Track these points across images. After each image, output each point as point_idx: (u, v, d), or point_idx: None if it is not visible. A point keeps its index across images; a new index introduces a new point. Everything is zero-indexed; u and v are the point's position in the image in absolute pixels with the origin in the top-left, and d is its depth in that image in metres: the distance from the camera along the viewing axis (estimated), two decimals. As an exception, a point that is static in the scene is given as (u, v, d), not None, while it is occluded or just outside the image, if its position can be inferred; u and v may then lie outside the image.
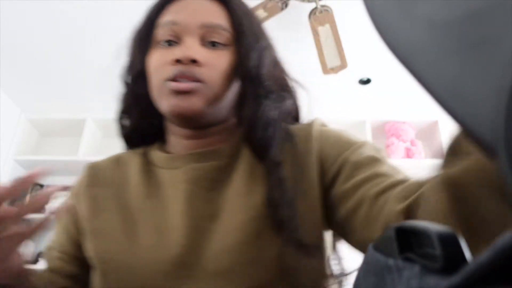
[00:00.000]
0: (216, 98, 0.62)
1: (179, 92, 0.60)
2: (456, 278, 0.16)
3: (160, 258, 0.56)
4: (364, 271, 0.25)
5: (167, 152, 0.69)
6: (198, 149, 0.66)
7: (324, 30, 1.97)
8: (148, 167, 0.67)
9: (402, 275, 0.21)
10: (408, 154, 2.81)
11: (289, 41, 2.33)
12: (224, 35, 0.64)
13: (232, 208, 0.58)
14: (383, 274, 0.23)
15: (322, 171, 0.60)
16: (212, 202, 0.60)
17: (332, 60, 2.11)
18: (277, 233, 0.54)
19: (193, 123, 0.64)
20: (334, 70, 2.17)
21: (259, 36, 0.67)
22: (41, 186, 2.80)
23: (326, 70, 2.16)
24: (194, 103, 0.60)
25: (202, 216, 0.58)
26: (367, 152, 0.58)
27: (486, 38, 0.15)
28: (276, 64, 0.70)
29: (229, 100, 0.65)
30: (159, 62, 0.63)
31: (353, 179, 0.55)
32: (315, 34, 1.99)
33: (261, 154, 0.61)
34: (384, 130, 2.93)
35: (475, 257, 0.16)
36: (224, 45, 0.64)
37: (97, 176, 0.69)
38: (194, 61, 0.61)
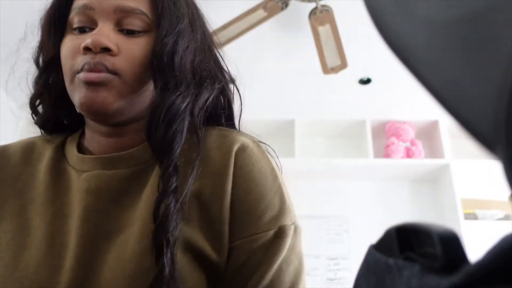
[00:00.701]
0: (131, 92, 0.55)
1: (89, 83, 0.52)
2: (456, 278, 0.16)
3: (46, 282, 0.48)
4: (364, 271, 0.25)
5: (84, 147, 0.61)
6: (112, 149, 0.58)
7: (324, 30, 1.97)
8: (60, 163, 0.59)
9: (402, 274, 0.21)
10: (408, 154, 2.81)
11: (289, 41, 2.33)
12: (142, 20, 0.56)
13: (135, 226, 0.50)
14: (383, 274, 0.23)
15: (230, 217, 0.52)
16: (112, 218, 0.51)
17: (332, 60, 2.11)
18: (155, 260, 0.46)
19: (106, 119, 0.56)
20: (334, 70, 2.17)
21: (181, 20, 0.58)
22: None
23: (326, 70, 2.16)
24: (105, 97, 0.52)
25: (97, 235, 0.50)
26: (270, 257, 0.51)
27: (487, 38, 0.15)
28: (201, 53, 0.61)
29: (150, 93, 0.57)
30: (69, 51, 0.55)
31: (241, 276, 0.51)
32: (315, 34, 1.99)
33: (159, 157, 0.52)
34: (384, 130, 2.93)
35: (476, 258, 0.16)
36: (143, 31, 0.56)
37: (4, 169, 0.60)
38: (106, 49, 0.53)
